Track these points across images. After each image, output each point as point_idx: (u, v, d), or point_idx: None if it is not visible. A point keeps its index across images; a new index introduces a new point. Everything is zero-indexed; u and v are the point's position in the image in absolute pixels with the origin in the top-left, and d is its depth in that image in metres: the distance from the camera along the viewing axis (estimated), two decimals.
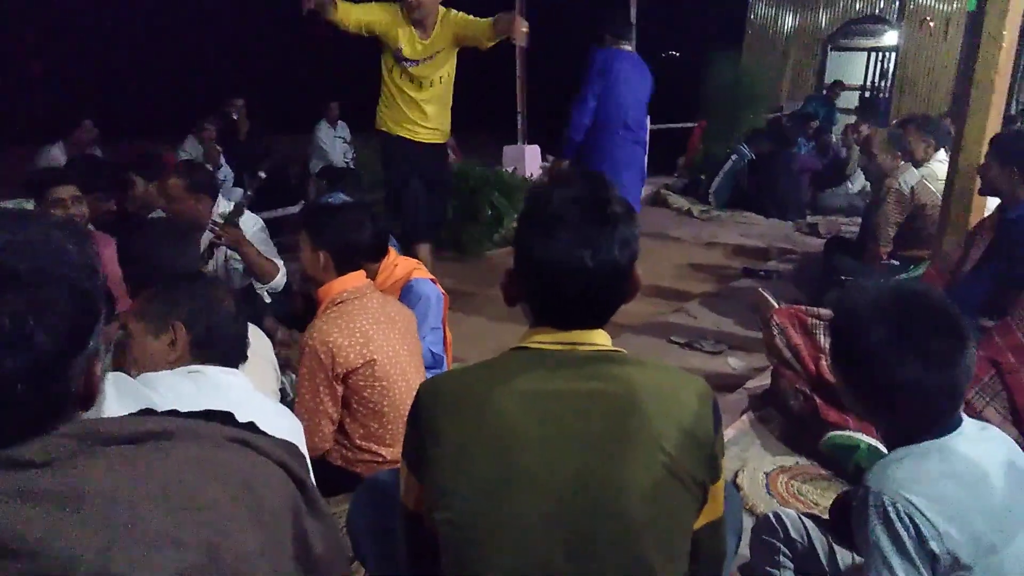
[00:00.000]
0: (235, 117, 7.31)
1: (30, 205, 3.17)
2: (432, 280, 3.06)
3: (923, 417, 1.39)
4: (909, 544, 1.27)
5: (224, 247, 3.25)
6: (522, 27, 3.84)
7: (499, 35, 3.89)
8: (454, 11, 3.99)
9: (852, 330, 1.43)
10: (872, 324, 1.38)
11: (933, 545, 1.26)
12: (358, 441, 2.36)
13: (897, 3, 11.06)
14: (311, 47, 10.28)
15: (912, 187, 4.21)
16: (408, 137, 4.19)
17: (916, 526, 1.27)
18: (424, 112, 4.13)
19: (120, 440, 0.76)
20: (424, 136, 4.20)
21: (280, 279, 3.29)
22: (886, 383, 1.38)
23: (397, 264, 3.00)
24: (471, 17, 3.97)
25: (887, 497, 1.30)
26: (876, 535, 1.30)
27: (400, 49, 3.96)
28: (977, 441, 1.38)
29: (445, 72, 4.10)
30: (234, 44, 9.64)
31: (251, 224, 3.37)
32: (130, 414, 0.90)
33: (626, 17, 5.54)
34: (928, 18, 10.63)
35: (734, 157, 7.89)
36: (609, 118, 4.28)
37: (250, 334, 1.76)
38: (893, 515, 1.28)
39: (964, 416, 1.42)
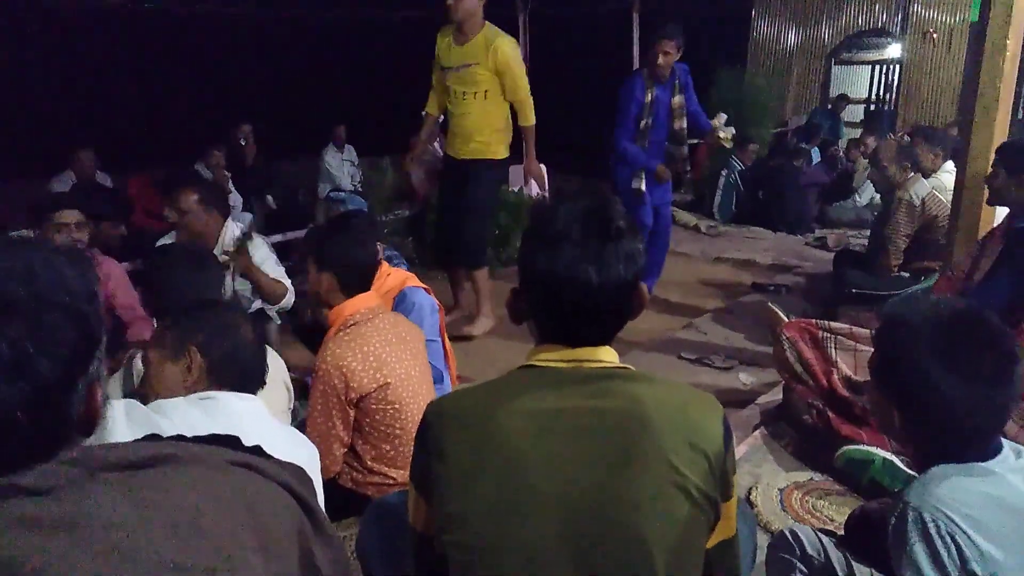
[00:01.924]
0: (243, 143, 7.36)
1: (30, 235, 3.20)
2: (426, 289, 3.02)
3: (964, 436, 1.35)
4: (949, 563, 1.23)
5: (233, 272, 3.27)
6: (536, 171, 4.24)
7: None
8: (507, 45, 3.94)
9: (899, 343, 1.39)
10: (921, 338, 1.35)
11: (974, 566, 1.22)
12: (369, 463, 2.35)
13: (900, 16, 11.06)
14: (316, 71, 10.36)
15: (923, 199, 4.19)
16: (451, 155, 4.24)
17: (957, 544, 1.23)
18: (462, 126, 4.11)
19: (122, 466, 0.76)
20: (463, 151, 4.17)
21: (289, 299, 3.31)
22: (930, 398, 1.34)
23: (390, 274, 2.97)
24: (518, 72, 4.00)
25: (928, 514, 1.26)
26: (915, 553, 1.25)
27: (439, 56, 4.04)
28: (1017, 466, 1.34)
29: (474, 90, 4.01)
30: (239, 70, 9.71)
31: (258, 244, 3.39)
32: (133, 440, 0.89)
33: None
34: (931, 30, 10.61)
35: (724, 171, 7.88)
36: None
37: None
38: (934, 532, 1.24)
39: (1004, 442, 1.38)
